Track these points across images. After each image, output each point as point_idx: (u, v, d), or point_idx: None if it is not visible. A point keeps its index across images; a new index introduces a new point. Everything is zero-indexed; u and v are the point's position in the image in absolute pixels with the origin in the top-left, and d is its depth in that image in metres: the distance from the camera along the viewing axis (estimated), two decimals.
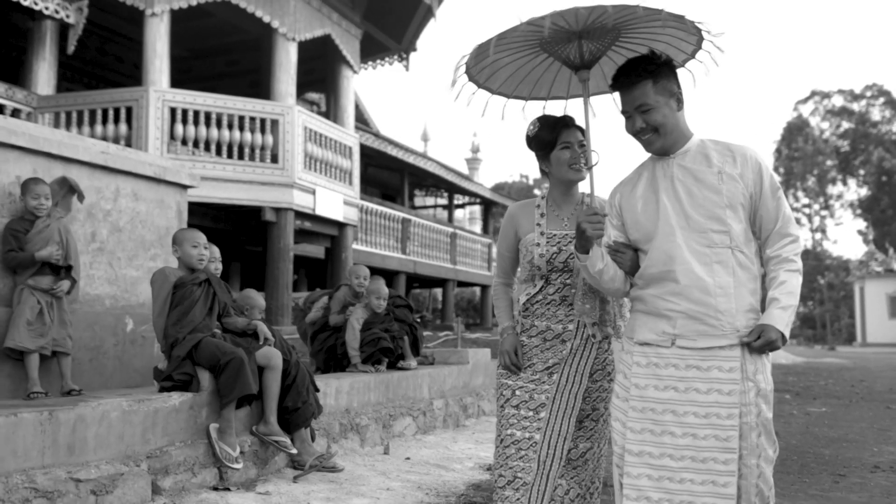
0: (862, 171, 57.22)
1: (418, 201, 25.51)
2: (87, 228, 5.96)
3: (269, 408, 4.67)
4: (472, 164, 36.67)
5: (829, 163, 58.31)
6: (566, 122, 2.94)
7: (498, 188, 34.14)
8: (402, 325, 6.70)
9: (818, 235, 59.72)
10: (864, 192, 57.26)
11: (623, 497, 2.52)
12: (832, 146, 58.51)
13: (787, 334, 2.43)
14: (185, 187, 6.98)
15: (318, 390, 5.02)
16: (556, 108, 3.14)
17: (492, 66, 2.82)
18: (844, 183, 59.24)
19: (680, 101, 2.56)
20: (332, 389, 5.51)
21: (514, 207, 3.08)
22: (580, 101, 2.81)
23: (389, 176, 20.33)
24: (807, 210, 59.82)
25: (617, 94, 2.63)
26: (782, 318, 2.42)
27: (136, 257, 6.41)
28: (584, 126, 2.76)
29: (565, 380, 2.86)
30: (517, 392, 2.90)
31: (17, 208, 5.12)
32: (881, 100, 57.96)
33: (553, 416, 2.83)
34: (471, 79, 2.86)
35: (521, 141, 3.06)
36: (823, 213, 59.65)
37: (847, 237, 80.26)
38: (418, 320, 7.32)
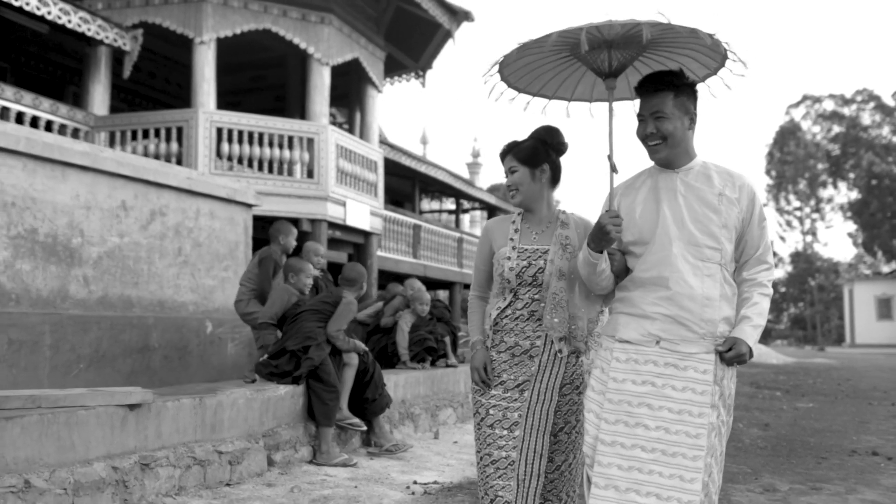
0: (852, 175, 57.68)
1: (423, 205, 26.33)
2: (175, 244, 6.89)
3: (343, 397, 5.61)
4: (472, 168, 37.17)
5: (820, 166, 58.84)
6: (504, 150, 3.04)
7: (493, 189, 34.99)
8: (444, 326, 7.71)
9: (809, 238, 60.49)
10: (854, 195, 57.65)
11: (592, 485, 2.61)
12: (823, 150, 59.00)
13: (755, 351, 2.63)
14: (249, 206, 7.93)
15: (384, 384, 5.96)
16: (580, 108, 3.20)
17: (521, 65, 2.90)
18: (835, 186, 59.71)
19: (692, 122, 2.68)
20: (392, 383, 6.45)
21: (492, 222, 3.12)
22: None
23: (399, 182, 21.09)
24: (798, 213, 60.43)
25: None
26: (752, 335, 2.60)
27: (213, 268, 7.35)
28: (609, 131, 2.74)
29: (536, 397, 2.87)
30: (491, 411, 2.92)
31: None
32: (871, 104, 58.30)
33: (528, 435, 2.84)
34: (503, 77, 2.94)
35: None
36: (814, 215, 60.15)
37: (837, 240, 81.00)
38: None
